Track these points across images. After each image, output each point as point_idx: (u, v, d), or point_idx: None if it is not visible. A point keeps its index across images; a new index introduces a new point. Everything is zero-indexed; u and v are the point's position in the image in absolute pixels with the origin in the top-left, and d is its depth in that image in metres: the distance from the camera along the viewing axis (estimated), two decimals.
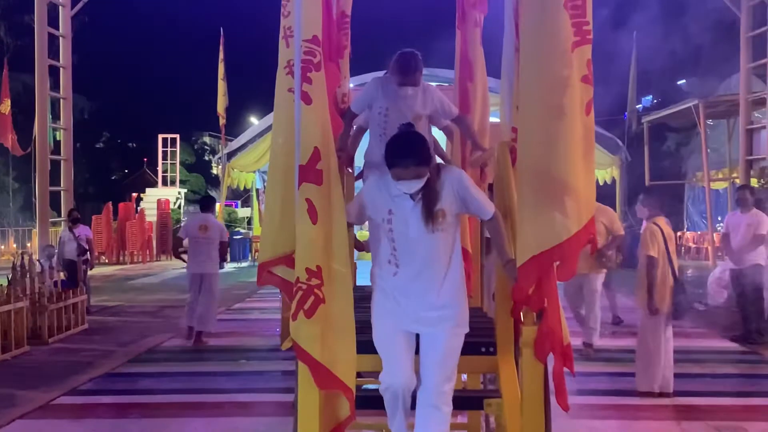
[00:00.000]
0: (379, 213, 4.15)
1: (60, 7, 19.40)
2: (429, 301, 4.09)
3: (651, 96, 43.36)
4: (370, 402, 4.31)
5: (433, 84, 6.12)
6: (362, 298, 4.56)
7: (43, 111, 18.57)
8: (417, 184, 3.96)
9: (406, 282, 4.13)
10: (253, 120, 40.24)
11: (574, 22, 3.84)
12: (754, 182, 17.55)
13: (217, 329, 11.45)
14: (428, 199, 4.02)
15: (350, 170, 6.53)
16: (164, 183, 38.05)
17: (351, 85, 6.50)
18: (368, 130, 6.02)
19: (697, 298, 13.61)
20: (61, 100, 20.04)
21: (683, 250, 26.34)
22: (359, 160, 6.21)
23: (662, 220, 7.99)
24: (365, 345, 4.06)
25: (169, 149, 38.07)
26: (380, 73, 6.48)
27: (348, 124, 5.85)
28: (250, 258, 27.86)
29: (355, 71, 6.62)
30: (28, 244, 29.10)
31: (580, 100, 3.85)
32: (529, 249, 3.80)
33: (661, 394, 7.74)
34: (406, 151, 3.97)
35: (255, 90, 38.41)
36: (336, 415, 3.97)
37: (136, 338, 11.47)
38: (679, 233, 22.25)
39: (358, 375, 3.96)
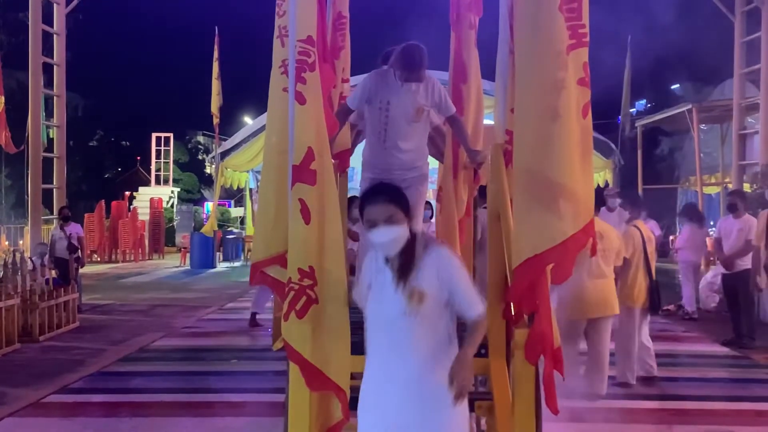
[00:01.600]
0: (363, 288, 3.68)
1: (54, 4, 19.37)
2: (401, 411, 3.45)
3: (645, 100, 43.44)
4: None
5: None
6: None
7: (37, 108, 18.54)
8: (390, 233, 3.43)
9: (373, 375, 3.61)
10: (247, 120, 40.22)
11: (570, 25, 3.84)
12: (747, 187, 17.58)
13: (208, 329, 11.40)
14: (403, 266, 3.48)
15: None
16: (157, 182, 37.98)
17: (348, 86, 6.39)
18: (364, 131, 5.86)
19: (674, 300, 13.67)
20: (55, 97, 20.01)
21: (675, 254, 26.34)
22: (354, 161, 6.11)
23: (641, 223, 8.60)
24: (360, 346, 4.05)
25: (162, 148, 38.02)
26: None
27: (342, 121, 5.45)
28: (242, 258, 27.84)
29: (352, 71, 6.55)
30: (20, 242, 28.98)
31: (576, 103, 3.85)
32: (524, 252, 3.80)
33: (645, 378, 8.35)
34: (380, 188, 3.67)
35: (249, 90, 38.50)
36: (329, 416, 3.95)
37: (128, 337, 11.45)
38: (671, 237, 22.25)
39: (353, 376, 3.94)
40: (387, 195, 3.52)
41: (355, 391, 3.74)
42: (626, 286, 8.11)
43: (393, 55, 5.45)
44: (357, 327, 4.03)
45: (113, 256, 29.59)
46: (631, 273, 8.15)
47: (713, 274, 13.74)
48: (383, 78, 5.47)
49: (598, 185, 24.60)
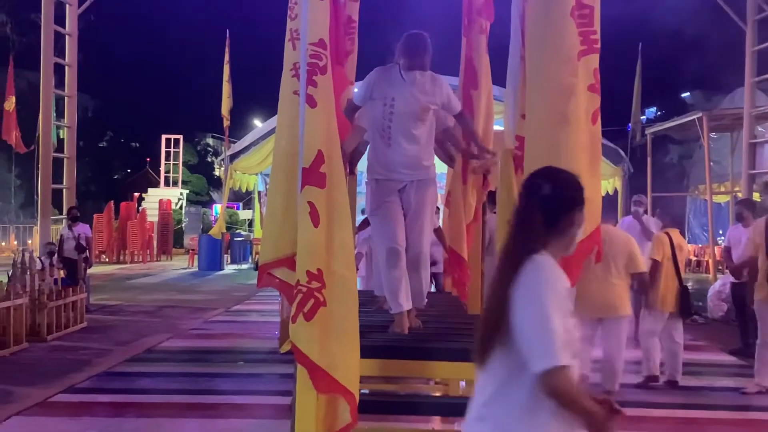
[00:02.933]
0: None
1: (67, 5, 19.41)
2: None
3: (655, 108, 43.40)
4: (373, 406, 4.30)
5: None
6: (365, 302, 4.55)
7: (48, 109, 18.57)
8: None
9: None
10: (257, 122, 40.28)
11: (581, 31, 3.85)
12: (756, 196, 17.51)
13: (215, 330, 11.39)
14: None
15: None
16: (166, 183, 38.08)
17: (355, 90, 6.39)
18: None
19: (700, 309, 13.62)
20: (66, 98, 20.05)
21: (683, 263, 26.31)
22: (362, 166, 6.09)
23: (675, 232, 8.90)
24: (369, 349, 4.03)
25: (172, 150, 38.11)
26: None
27: (349, 119, 5.44)
28: (250, 260, 27.87)
29: (360, 76, 6.54)
30: (29, 241, 29.10)
31: (586, 109, 3.85)
32: None
33: (669, 383, 8.54)
34: None
35: (259, 93, 38.49)
36: (337, 419, 3.94)
37: (135, 338, 11.46)
38: None
39: (362, 379, 3.93)
40: None
41: (364, 394, 3.73)
42: (656, 291, 8.41)
43: (398, 46, 5.28)
44: (367, 330, 4.03)
45: (121, 257, 29.66)
46: (661, 278, 8.42)
47: (721, 283, 13.68)
48: (388, 74, 5.29)
49: (608, 192, 24.59)
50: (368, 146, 5.69)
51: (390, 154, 5.36)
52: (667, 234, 8.74)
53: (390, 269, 5.17)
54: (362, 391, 4.43)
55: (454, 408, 4.22)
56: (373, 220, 5.55)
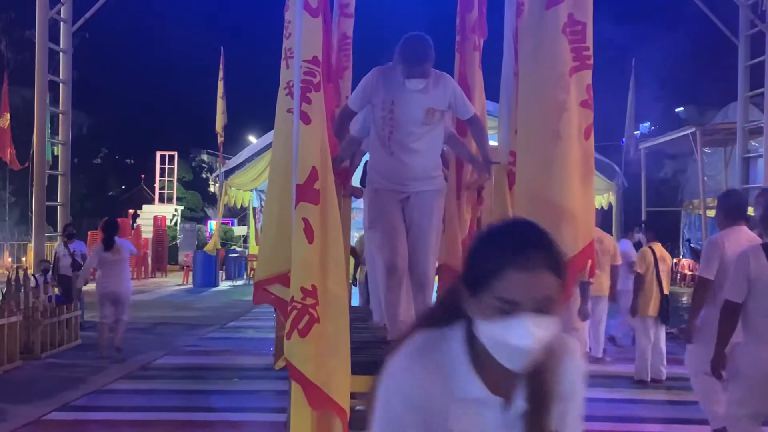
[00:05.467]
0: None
1: (61, 22, 19.45)
2: None
3: (649, 123, 43.53)
4: (365, 423, 4.29)
5: None
6: (358, 318, 4.55)
7: (42, 126, 18.57)
8: (543, 328, 1.73)
9: None
10: (251, 139, 40.32)
11: (573, 47, 3.87)
12: (750, 211, 17.56)
13: (210, 347, 11.36)
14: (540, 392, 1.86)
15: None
16: (161, 200, 38.00)
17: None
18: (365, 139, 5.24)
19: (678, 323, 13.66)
20: (60, 115, 20.06)
21: (678, 277, 26.33)
22: (356, 180, 6.09)
23: (658, 245, 9.88)
24: (361, 366, 4.03)
25: (166, 166, 38.06)
26: None
27: (345, 125, 5.07)
28: (245, 276, 27.83)
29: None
30: (23, 259, 29.01)
31: (578, 125, 3.86)
32: None
33: (653, 380, 9.60)
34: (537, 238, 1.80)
35: (253, 109, 38.51)
36: None
37: (130, 355, 11.42)
38: (675, 260, 22.21)
39: (353, 396, 3.93)
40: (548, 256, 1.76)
41: (355, 411, 3.73)
42: (641, 298, 9.49)
43: (396, 49, 4.77)
44: (357, 347, 4.03)
45: None
46: (645, 287, 9.46)
47: None
48: (386, 75, 4.78)
49: (602, 207, 24.62)
50: (364, 157, 5.45)
51: (392, 163, 4.87)
52: (651, 248, 9.72)
53: (389, 291, 4.68)
54: (358, 407, 4.43)
55: None
56: (371, 235, 5.01)
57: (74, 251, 14.10)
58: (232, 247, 32.57)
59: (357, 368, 3.93)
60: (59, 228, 18.77)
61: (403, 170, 4.84)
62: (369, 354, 4.63)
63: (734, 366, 5.08)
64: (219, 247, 27.50)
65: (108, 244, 11.29)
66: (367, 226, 5.09)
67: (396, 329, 4.57)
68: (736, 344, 5.08)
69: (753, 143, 20.36)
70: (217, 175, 27.21)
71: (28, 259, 23.45)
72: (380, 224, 4.85)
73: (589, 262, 3.91)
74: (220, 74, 26.46)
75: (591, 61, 3.94)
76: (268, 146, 23.65)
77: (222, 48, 26.71)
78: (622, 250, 10.91)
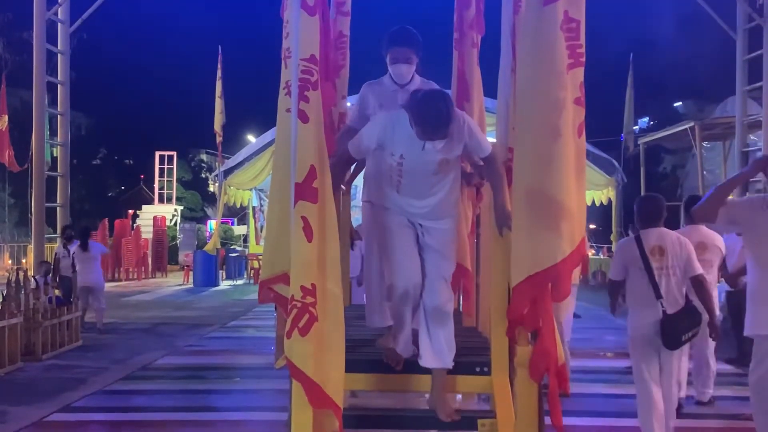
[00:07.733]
0: None
1: (59, 23, 19.45)
2: None
3: (647, 118, 43.55)
4: (359, 421, 4.29)
5: None
6: (356, 317, 4.55)
7: (41, 127, 18.58)
8: None
9: None
10: (250, 138, 40.33)
11: (569, 45, 3.87)
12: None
13: (211, 347, 11.35)
14: None
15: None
16: (160, 200, 38.02)
17: (348, 104, 6.38)
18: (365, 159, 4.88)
19: None
20: (59, 116, 20.08)
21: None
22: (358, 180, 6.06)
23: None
24: (356, 364, 4.03)
25: (166, 166, 38.07)
26: None
27: (348, 165, 4.85)
28: (245, 276, 27.84)
29: (352, 90, 6.53)
30: (24, 260, 29.01)
31: (573, 122, 3.87)
32: (524, 269, 3.80)
33: None
34: None
35: (252, 108, 38.59)
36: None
37: (130, 355, 11.42)
38: None
39: (353, 394, 3.93)
40: None
41: (348, 409, 3.73)
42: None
43: (409, 106, 4.29)
44: (352, 345, 4.03)
45: (116, 275, 29.56)
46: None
47: (717, 291, 13.67)
48: (395, 124, 4.34)
49: (602, 203, 24.63)
50: (364, 167, 5.13)
51: (403, 205, 4.56)
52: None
53: (401, 318, 4.47)
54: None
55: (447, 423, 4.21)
56: (372, 245, 4.83)
57: (74, 252, 14.10)
58: (232, 247, 32.60)
59: (353, 366, 3.94)
60: (59, 229, 18.78)
61: (415, 212, 4.54)
62: (368, 352, 4.64)
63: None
64: (219, 246, 27.52)
65: (84, 246, 14.05)
66: (367, 232, 4.97)
67: (402, 342, 4.46)
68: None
69: (752, 137, 20.40)
70: (217, 175, 27.20)
71: (29, 261, 23.47)
72: (389, 235, 4.54)
73: (582, 257, 3.94)
74: (219, 73, 26.46)
75: (584, 59, 3.94)
76: (267, 145, 23.68)
77: (220, 47, 26.71)
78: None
